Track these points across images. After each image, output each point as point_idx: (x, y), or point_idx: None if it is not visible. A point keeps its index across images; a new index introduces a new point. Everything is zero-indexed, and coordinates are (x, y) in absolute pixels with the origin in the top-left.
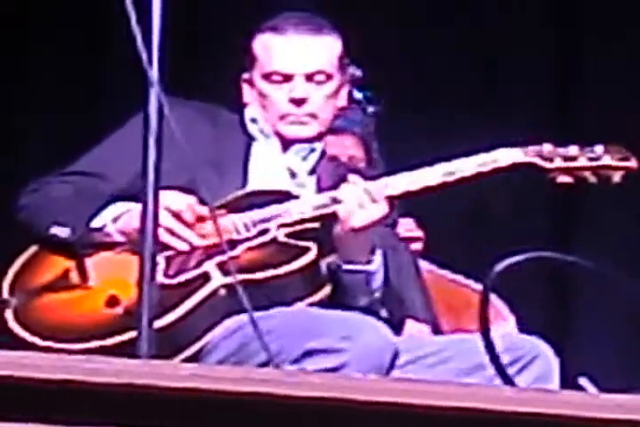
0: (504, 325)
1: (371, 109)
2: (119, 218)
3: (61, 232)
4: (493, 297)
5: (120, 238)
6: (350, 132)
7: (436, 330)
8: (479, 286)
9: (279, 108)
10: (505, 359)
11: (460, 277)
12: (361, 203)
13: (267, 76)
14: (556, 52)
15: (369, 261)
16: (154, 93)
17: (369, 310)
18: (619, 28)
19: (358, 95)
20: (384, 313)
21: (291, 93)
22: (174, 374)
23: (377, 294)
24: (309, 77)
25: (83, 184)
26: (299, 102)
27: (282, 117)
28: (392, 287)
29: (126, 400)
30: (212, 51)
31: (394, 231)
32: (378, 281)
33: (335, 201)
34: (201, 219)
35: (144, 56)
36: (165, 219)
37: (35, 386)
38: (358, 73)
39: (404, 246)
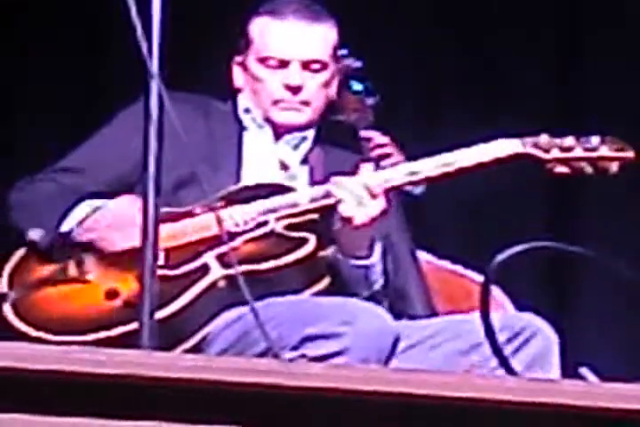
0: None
1: (369, 101)
2: (84, 221)
3: (35, 235)
4: (495, 290)
5: (90, 237)
6: None
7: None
8: (479, 277)
9: (273, 93)
10: (502, 337)
11: (458, 268)
12: (361, 200)
13: (262, 60)
14: (555, 40)
15: (369, 255)
16: (154, 85)
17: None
18: (618, 17)
19: (358, 87)
20: (385, 306)
21: (287, 80)
22: (176, 365)
23: (376, 287)
24: (305, 65)
25: (67, 182)
26: (294, 89)
27: (275, 103)
28: (391, 279)
29: (128, 391)
30: (207, 36)
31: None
32: (377, 274)
33: (333, 194)
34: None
35: (144, 48)
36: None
37: (35, 377)
38: (357, 64)
39: (403, 237)
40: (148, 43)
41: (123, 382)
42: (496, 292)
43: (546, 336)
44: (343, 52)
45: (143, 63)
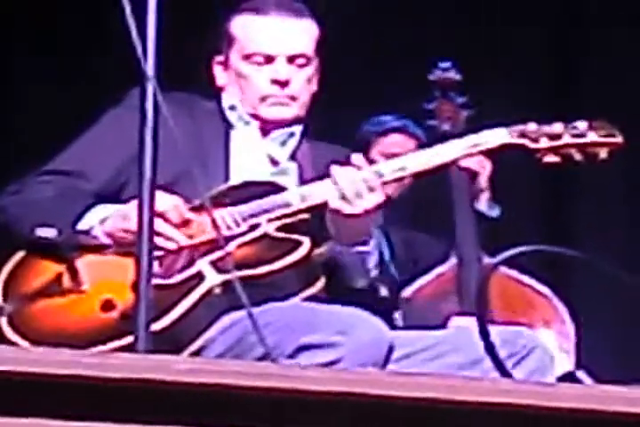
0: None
1: (465, 114)
2: (106, 220)
3: (48, 233)
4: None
5: (107, 241)
6: (415, 136)
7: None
8: (544, 288)
9: (260, 89)
10: (502, 353)
11: (523, 276)
12: (358, 192)
13: (247, 57)
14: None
15: (365, 242)
16: (150, 87)
17: (368, 291)
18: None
19: (460, 100)
20: (384, 292)
21: (274, 75)
22: (172, 368)
23: (373, 273)
24: (291, 59)
25: (64, 184)
26: (282, 84)
27: (262, 99)
28: (387, 266)
29: (124, 395)
30: (191, 37)
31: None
32: (373, 261)
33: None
34: (187, 221)
35: (139, 50)
36: None
37: (33, 381)
38: (458, 77)
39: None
40: (142, 45)
41: (118, 385)
42: (560, 307)
43: (545, 352)
44: (446, 64)
45: (138, 65)
